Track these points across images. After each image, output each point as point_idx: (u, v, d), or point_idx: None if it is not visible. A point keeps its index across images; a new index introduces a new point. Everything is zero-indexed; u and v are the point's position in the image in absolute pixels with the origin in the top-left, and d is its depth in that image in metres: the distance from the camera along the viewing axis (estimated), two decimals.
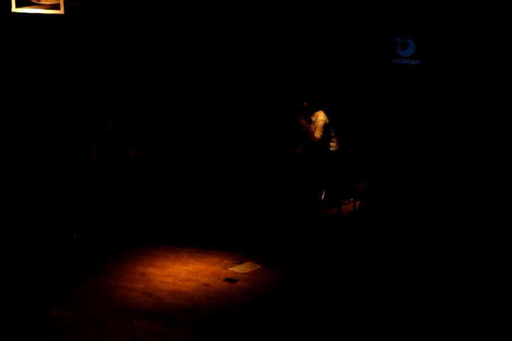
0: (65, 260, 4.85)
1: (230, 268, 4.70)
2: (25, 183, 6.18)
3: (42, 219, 5.69)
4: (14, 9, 5.70)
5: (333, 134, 6.47)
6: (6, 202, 5.86)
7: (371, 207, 6.11)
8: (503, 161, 6.44)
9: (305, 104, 6.43)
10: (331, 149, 6.50)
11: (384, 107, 7.31)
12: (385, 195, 6.31)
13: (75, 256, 4.94)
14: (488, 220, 5.62)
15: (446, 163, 6.66)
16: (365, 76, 7.39)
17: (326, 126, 6.38)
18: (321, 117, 6.38)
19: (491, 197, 6.07)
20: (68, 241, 5.27)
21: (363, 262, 4.86)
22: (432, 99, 7.08)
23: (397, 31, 7.27)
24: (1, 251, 4.97)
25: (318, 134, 6.37)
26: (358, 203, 6.10)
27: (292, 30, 7.32)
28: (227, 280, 4.46)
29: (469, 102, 6.85)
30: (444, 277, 4.52)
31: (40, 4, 5.62)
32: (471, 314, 3.89)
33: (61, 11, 5.17)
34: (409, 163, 6.71)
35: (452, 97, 6.96)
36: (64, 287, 4.28)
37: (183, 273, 4.58)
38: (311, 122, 6.48)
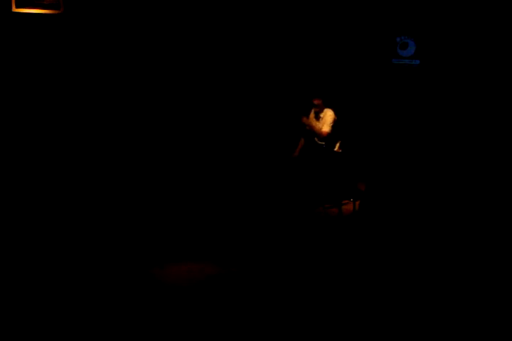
0: (61, 267, 4.84)
1: (231, 269, 4.70)
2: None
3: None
4: (14, 9, 5.71)
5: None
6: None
7: (371, 207, 6.11)
8: (503, 161, 6.44)
9: (319, 100, 6.49)
10: (333, 149, 6.53)
11: (384, 107, 7.31)
12: (384, 194, 6.31)
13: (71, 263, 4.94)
14: (488, 220, 5.62)
15: (446, 163, 6.66)
16: (365, 76, 7.39)
17: (335, 123, 6.47)
18: (330, 113, 6.50)
19: (491, 197, 6.06)
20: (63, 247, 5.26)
21: (364, 262, 4.86)
22: (431, 99, 7.08)
23: (397, 31, 7.27)
24: None
25: (327, 128, 6.46)
26: (358, 203, 6.11)
27: (292, 31, 7.32)
28: (227, 280, 4.45)
29: (469, 102, 6.85)
30: (444, 277, 4.52)
31: (41, 4, 5.63)
32: (471, 313, 3.90)
33: (61, 10, 5.18)
34: (409, 163, 6.71)
35: (452, 97, 6.96)
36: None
37: (183, 273, 4.58)
38: (319, 118, 6.56)
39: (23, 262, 4.76)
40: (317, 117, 6.58)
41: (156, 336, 3.62)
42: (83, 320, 3.79)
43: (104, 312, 3.92)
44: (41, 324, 3.73)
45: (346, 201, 6.31)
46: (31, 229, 5.46)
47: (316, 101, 6.52)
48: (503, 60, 6.70)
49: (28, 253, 4.95)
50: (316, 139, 6.60)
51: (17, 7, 5.93)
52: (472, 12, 6.80)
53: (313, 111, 6.63)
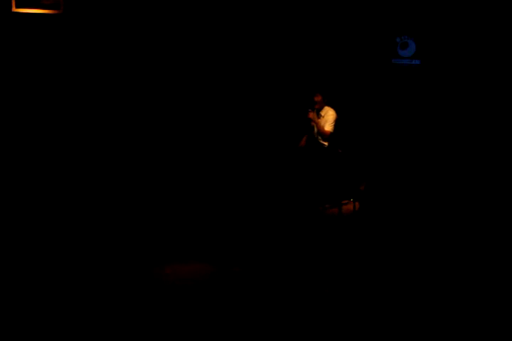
0: (65, 267, 4.84)
1: (232, 268, 4.70)
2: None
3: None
4: (14, 9, 5.72)
5: None
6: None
7: (371, 207, 6.11)
8: (502, 161, 6.44)
9: (319, 97, 6.45)
10: (335, 149, 6.52)
11: (384, 107, 7.31)
12: (384, 195, 6.31)
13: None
14: (489, 220, 5.62)
15: (446, 163, 6.66)
16: (365, 76, 7.39)
17: (336, 122, 6.43)
18: (331, 112, 6.44)
19: (491, 197, 6.07)
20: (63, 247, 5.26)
21: (364, 262, 4.86)
22: (431, 99, 7.08)
23: (397, 31, 7.27)
24: None
25: (329, 127, 6.40)
26: (357, 203, 6.11)
27: (292, 31, 7.32)
28: (227, 280, 4.45)
29: (469, 102, 6.85)
30: (444, 277, 4.52)
31: (41, 4, 5.63)
32: (471, 313, 3.90)
33: (61, 11, 5.18)
34: (409, 164, 6.71)
35: (452, 97, 6.96)
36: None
37: (183, 273, 4.58)
38: (319, 117, 6.52)
39: (23, 261, 4.76)
40: (318, 115, 6.55)
41: (157, 336, 3.62)
42: (84, 320, 3.79)
43: (104, 312, 3.91)
44: (40, 323, 3.73)
45: (346, 201, 6.31)
46: (32, 228, 5.47)
47: (315, 98, 6.49)
48: (503, 59, 6.71)
49: (28, 252, 4.96)
50: (318, 138, 6.58)
51: (17, 7, 5.93)
52: (472, 12, 6.80)
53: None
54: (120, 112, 6.78)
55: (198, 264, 4.78)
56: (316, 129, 6.55)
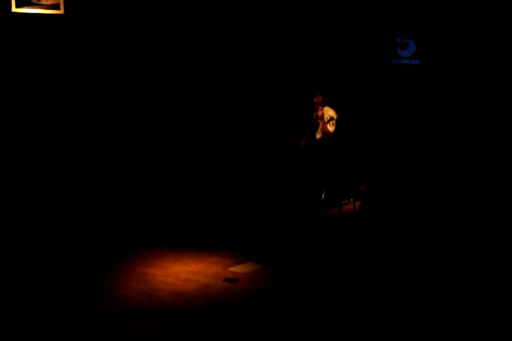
0: (64, 261, 4.84)
1: (230, 268, 4.69)
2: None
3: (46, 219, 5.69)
4: (14, 9, 5.72)
5: None
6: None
7: (371, 207, 6.11)
8: (502, 161, 6.44)
9: (319, 97, 6.44)
10: (335, 148, 6.52)
11: (384, 107, 7.31)
12: (385, 195, 6.32)
13: (74, 258, 4.93)
14: (489, 220, 5.63)
15: (446, 163, 6.66)
16: (365, 76, 7.39)
17: (337, 122, 6.43)
18: (330, 112, 6.43)
19: (491, 197, 6.07)
20: (69, 242, 5.26)
21: (364, 262, 4.86)
22: (431, 99, 7.08)
23: (397, 31, 7.27)
24: None
25: (331, 128, 6.40)
26: (358, 203, 6.11)
27: (293, 31, 7.32)
28: (228, 280, 4.45)
29: (469, 102, 6.85)
30: (444, 276, 4.53)
31: (40, 4, 5.64)
32: (471, 313, 3.90)
33: (61, 11, 5.19)
34: (409, 164, 6.71)
35: (452, 97, 6.96)
36: (65, 288, 4.28)
37: (183, 273, 4.58)
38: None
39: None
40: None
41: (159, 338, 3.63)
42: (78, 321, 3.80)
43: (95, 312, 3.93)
44: (40, 324, 3.73)
45: (346, 201, 6.32)
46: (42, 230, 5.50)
47: (315, 98, 6.47)
48: (502, 59, 6.71)
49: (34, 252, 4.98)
50: (318, 136, 6.56)
51: (17, 7, 5.93)
52: (472, 12, 6.80)
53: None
54: (121, 112, 6.78)
55: (196, 264, 4.79)
56: (319, 128, 6.54)
